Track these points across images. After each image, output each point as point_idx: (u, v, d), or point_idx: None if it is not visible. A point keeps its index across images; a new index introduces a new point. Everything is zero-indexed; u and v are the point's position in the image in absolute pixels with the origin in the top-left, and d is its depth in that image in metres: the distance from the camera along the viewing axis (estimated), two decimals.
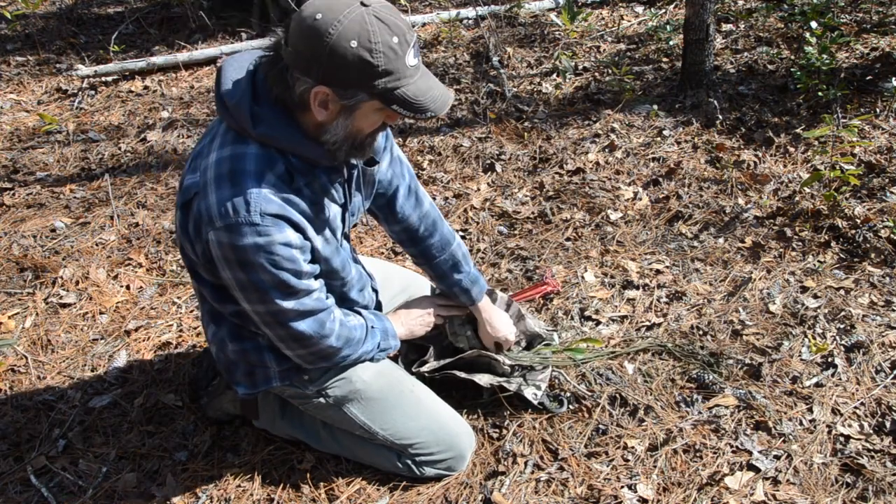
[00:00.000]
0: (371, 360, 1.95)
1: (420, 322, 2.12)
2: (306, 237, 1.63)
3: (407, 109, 1.48)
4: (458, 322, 2.21)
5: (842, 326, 2.47)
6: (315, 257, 1.70)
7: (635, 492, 1.99)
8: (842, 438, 2.10)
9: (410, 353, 2.22)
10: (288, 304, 1.65)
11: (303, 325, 1.71)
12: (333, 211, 1.72)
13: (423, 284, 2.38)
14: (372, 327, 1.92)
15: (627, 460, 2.09)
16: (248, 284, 1.61)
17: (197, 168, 1.61)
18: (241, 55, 1.61)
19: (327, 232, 1.71)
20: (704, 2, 3.63)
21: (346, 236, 1.93)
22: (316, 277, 1.72)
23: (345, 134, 1.54)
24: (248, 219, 1.51)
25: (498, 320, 2.20)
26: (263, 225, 1.52)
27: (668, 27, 4.64)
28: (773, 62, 4.15)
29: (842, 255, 2.80)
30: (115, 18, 5.46)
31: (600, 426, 2.18)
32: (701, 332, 2.50)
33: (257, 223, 1.52)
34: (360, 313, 1.92)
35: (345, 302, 1.92)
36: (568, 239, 3.04)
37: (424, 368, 2.14)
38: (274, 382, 1.92)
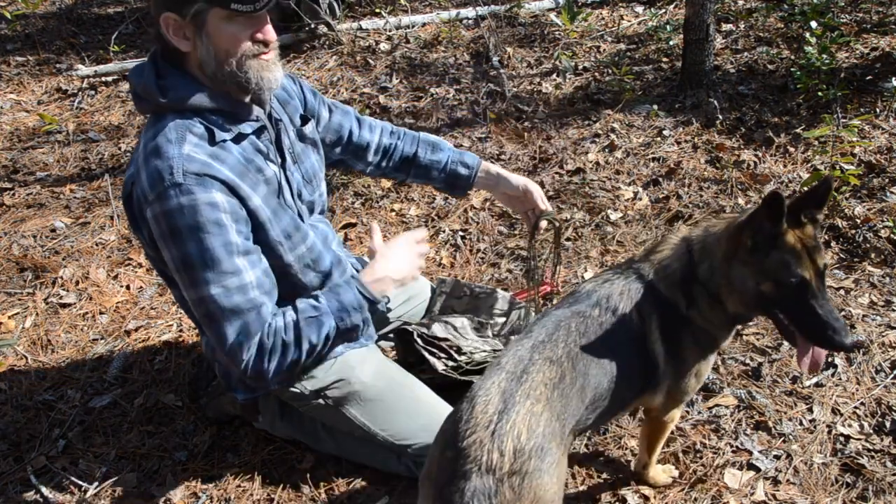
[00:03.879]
0: (347, 340, 1.79)
1: (413, 267, 1.85)
2: (238, 196, 1.62)
3: (243, 3, 1.53)
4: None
5: None
6: (255, 225, 1.66)
7: (636, 492, 1.99)
8: (842, 438, 2.10)
9: (409, 356, 2.21)
10: (214, 289, 1.59)
11: (226, 328, 1.62)
12: (271, 170, 1.74)
13: (422, 283, 2.38)
14: (310, 318, 1.69)
15: (628, 461, 2.09)
16: (180, 261, 1.60)
17: (131, 162, 1.68)
18: (138, 63, 1.72)
19: (263, 188, 1.69)
20: (704, 2, 3.63)
21: (321, 210, 1.96)
22: (254, 264, 1.64)
23: (215, 59, 1.60)
24: (172, 180, 1.55)
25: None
26: (187, 184, 1.55)
27: (668, 27, 4.63)
28: (773, 62, 4.14)
29: (842, 255, 2.80)
30: (115, 18, 5.46)
31: (600, 426, 2.18)
32: None
33: (181, 183, 1.55)
34: (295, 306, 1.72)
35: (325, 276, 1.90)
36: (568, 239, 3.04)
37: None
38: (271, 385, 1.92)
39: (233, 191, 1.61)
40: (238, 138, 1.67)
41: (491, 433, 1.31)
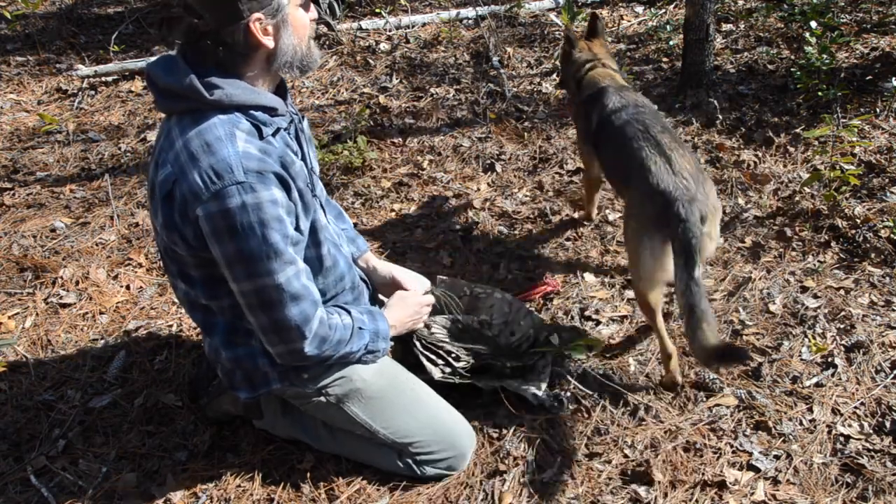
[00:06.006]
0: (357, 361, 1.92)
1: (413, 321, 2.09)
2: (289, 191, 1.65)
3: None
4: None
5: (842, 326, 2.47)
6: (298, 223, 1.71)
7: (636, 492, 1.99)
8: (842, 438, 2.10)
9: (408, 357, 2.21)
10: (278, 278, 1.63)
11: (288, 313, 1.67)
12: (299, 164, 1.75)
13: (422, 282, 2.38)
14: (360, 328, 1.87)
15: (627, 459, 2.09)
16: (237, 256, 1.60)
17: (166, 161, 1.63)
18: (157, 60, 1.69)
19: (299, 181, 1.72)
20: (704, 2, 3.63)
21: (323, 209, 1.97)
22: (300, 252, 1.73)
23: (293, 45, 1.66)
24: (234, 178, 1.55)
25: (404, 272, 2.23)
26: (248, 182, 1.55)
27: (668, 27, 4.63)
28: (773, 62, 4.15)
29: (842, 255, 2.80)
30: (115, 18, 5.46)
31: (600, 426, 2.18)
32: None
33: (242, 181, 1.55)
34: (350, 312, 1.88)
35: (338, 280, 1.93)
36: (568, 239, 3.04)
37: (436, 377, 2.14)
38: (274, 384, 1.92)
39: (283, 182, 1.64)
40: (275, 132, 1.69)
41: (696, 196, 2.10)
